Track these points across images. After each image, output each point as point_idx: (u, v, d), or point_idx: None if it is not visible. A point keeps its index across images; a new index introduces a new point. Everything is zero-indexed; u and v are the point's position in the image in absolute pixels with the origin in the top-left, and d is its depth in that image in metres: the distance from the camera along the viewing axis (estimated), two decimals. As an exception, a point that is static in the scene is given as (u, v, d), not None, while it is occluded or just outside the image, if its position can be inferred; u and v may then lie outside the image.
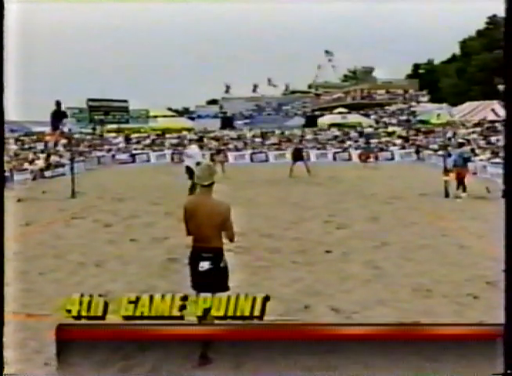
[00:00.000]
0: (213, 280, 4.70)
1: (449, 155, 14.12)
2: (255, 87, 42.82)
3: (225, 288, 4.78)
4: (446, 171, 14.02)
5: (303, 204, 13.76)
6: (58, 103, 25.02)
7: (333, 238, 9.76)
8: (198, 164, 13.09)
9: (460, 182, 13.93)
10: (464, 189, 13.87)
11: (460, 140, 16.50)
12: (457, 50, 64.15)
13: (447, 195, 14.03)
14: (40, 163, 21.03)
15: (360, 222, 11.19)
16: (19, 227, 10.66)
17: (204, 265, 4.68)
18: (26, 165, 20.26)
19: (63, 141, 21.36)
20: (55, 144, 21.06)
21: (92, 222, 11.73)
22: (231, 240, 4.88)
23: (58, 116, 22.85)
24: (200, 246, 4.74)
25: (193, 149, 13.68)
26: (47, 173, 20.17)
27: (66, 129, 18.59)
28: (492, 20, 55.29)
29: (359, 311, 5.98)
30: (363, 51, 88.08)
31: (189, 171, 13.35)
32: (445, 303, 6.20)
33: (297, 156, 20.42)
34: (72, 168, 15.66)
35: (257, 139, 37.18)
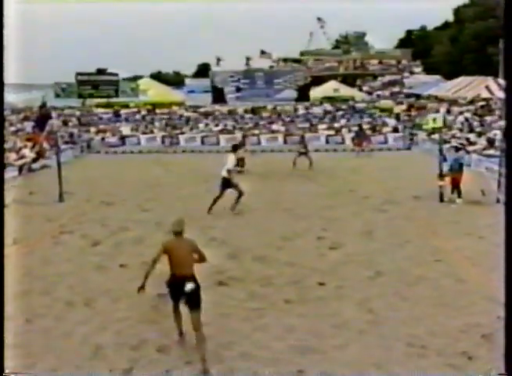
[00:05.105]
0: (195, 297, 6.16)
1: (445, 159, 13.87)
2: (248, 60, 41.98)
3: (200, 303, 6.22)
4: (441, 176, 13.78)
5: (295, 211, 13.54)
6: (44, 105, 24.33)
7: (326, 263, 9.63)
8: (229, 171, 13.15)
9: (455, 187, 13.74)
10: (459, 195, 13.69)
11: (456, 144, 16.21)
12: (450, 17, 63.18)
13: (442, 199, 13.85)
14: (27, 152, 20.54)
15: (353, 239, 11.04)
16: (6, 247, 10.36)
17: (191, 287, 6.09)
18: (13, 156, 19.75)
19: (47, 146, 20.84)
20: (41, 147, 20.55)
21: (80, 237, 11.48)
22: (203, 260, 6.45)
23: (43, 118, 22.26)
24: (182, 273, 6.18)
25: (227, 158, 13.52)
26: (34, 165, 19.77)
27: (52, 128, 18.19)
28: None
29: (353, 377, 5.89)
30: (355, 16, 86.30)
31: (223, 181, 13.25)
32: (439, 365, 6.12)
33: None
34: (59, 170, 15.23)
35: (249, 115, 36.66)
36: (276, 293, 8.29)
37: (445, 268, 9.17)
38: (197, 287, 6.18)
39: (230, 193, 13.35)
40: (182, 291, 6.14)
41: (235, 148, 14.13)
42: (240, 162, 17.86)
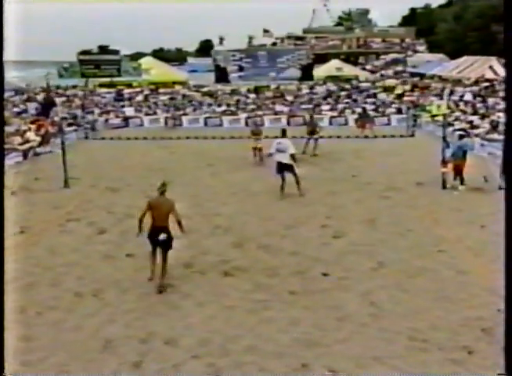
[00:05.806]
0: (167, 244, 8.11)
1: (448, 146, 13.88)
2: (250, 38, 41.62)
3: (171, 247, 8.20)
4: (444, 163, 13.80)
5: (299, 197, 13.62)
6: (48, 88, 24.07)
7: (329, 253, 9.76)
8: (293, 156, 13.36)
9: (458, 174, 13.79)
10: (462, 182, 13.75)
11: (460, 132, 16.18)
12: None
13: (444, 186, 13.92)
14: (32, 136, 20.54)
15: (356, 228, 11.15)
16: (14, 236, 10.45)
17: (163, 237, 7.98)
18: (18, 140, 19.74)
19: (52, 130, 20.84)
20: (46, 132, 20.55)
21: (87, 225, 11.62)
22: (179, 222, 8.09)
23: (47, 104, 22.12)
24: (159, 225, 8.00)
25: (284, 143, 13.52)
26: (39, 149, 19.81)
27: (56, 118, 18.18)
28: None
29: (356, 371, 6.05)
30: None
31: (280, 166, 13.45)
32: (440, 360, 6.25)
33: (311, 132, 20.18)
34: (64, 156, 15.29)
35: (252, 95, 36.49)
36: (281, 284, 8.44)
37: (447, 259, 9.28)
38: (169, 237, 8.04)
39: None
40: (158, 238, 8.02)
41: (285, 133, 14.16)
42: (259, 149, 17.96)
